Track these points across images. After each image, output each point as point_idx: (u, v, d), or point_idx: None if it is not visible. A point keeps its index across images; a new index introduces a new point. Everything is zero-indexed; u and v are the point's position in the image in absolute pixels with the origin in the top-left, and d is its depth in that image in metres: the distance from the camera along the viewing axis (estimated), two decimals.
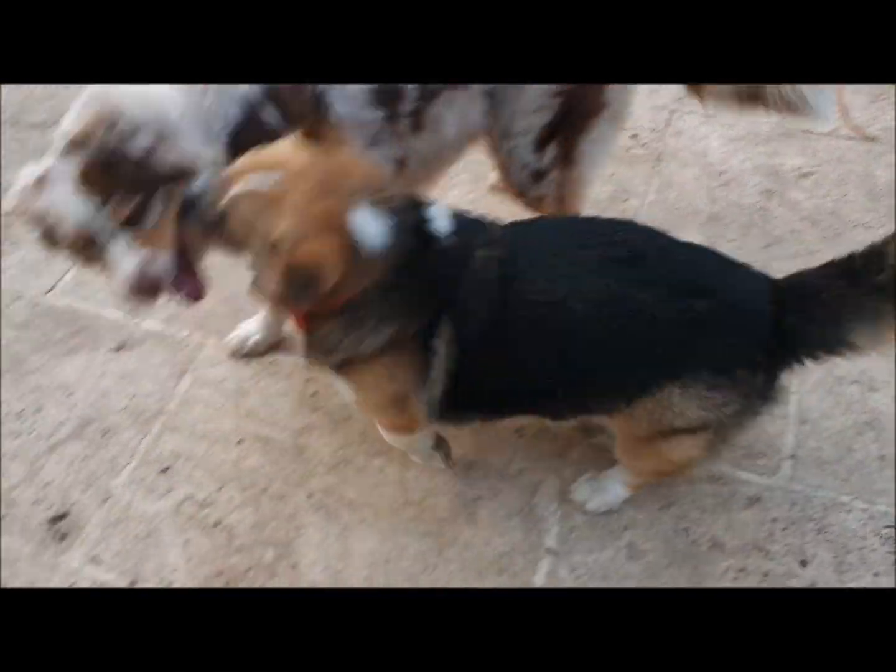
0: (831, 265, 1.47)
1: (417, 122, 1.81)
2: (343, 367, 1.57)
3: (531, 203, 2.08)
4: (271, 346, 2.24)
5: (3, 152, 2.83)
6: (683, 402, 1.52)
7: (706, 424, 1.56)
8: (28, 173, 1.50)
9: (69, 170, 1.45)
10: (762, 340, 1.48)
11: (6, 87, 3.09)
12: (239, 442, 2.06)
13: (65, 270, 2.46)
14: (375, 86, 1.69)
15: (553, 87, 1.86)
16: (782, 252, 2.41)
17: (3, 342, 2.29)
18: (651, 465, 1.78)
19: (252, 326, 2.23)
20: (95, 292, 2.40)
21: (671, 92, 2.99)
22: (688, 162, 2.75)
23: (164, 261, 1.54)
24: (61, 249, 1.55)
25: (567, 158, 2.00)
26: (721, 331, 1.48)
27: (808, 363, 1.51)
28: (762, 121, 2.87)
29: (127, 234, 1.49)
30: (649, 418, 1.58)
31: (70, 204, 1.45)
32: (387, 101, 1.73)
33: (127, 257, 1.50)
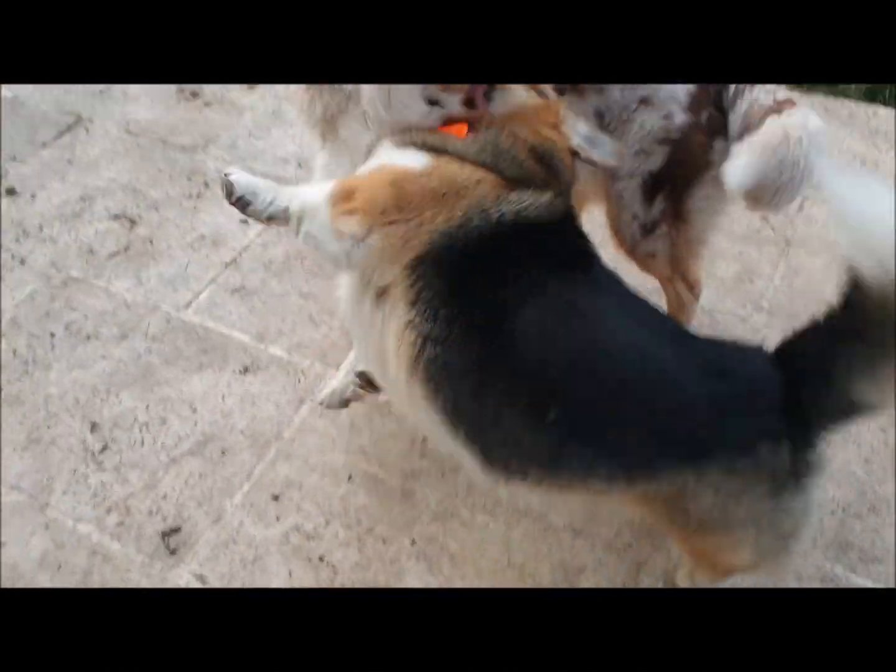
0: (814, 324, 1.40)
1: None
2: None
3: (642, 261, 2.06)
4: None
5: (151, 171, 2.98)
6: (699, 493, 1.41)
7: (733, 521, 1.45)
8: None
9: None
10: (779, 409, 1.39)
11: (159, 107, 3.26)
12: (349, 478, 2.10)
13: (201, 289, 2.57)
14: None
15: (658, 133, 1.86)
16: None
17: (136, 352, 2.39)
18: (704, 564, 1.67)
19: None
20: (228, 313, 2.49)
21: None
22: (817, 250, 2.71)
23: None
24: None
25: (677, 214, 1.97)
26: (739, 410, 1.39)
27: (833, 429, 1.42)
28: None
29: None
30: (664, 508, 1.48)
31: None
32: None
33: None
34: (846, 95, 3.33)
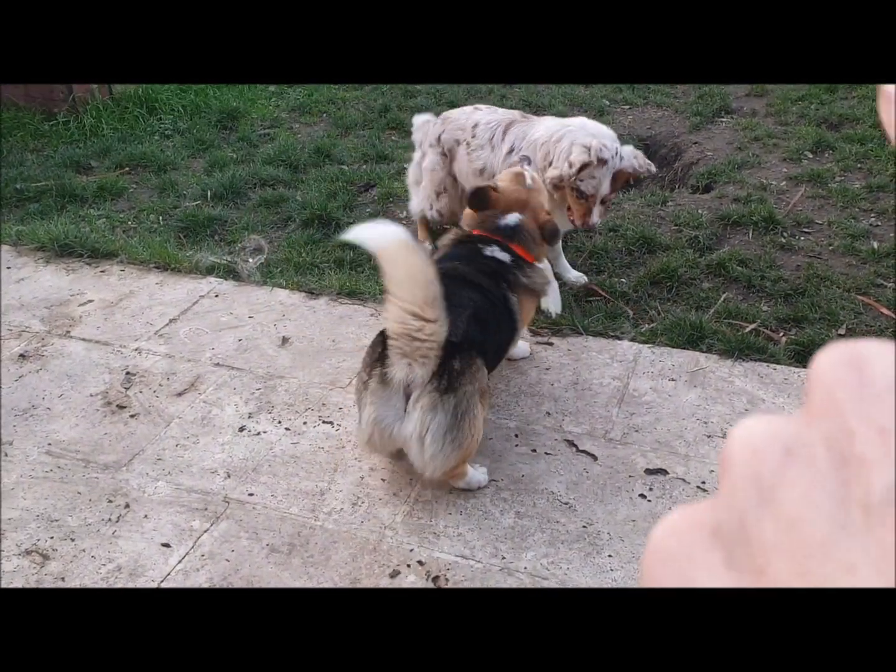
0: None
1: None
2: None
3: None
4: None
5: (70, 495, 2.81)
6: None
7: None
8: None
9: None
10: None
11: (83, 424, 3.16)
12: None
13: None
14: None
15: None
16: None
17: None
18: None
19: None
20: None
21: None
22: None
23: None
24: None
25: None
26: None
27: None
28: None
29: None
30: None
31: None
32: None
33: None
34: (777, 362, 3.37)
